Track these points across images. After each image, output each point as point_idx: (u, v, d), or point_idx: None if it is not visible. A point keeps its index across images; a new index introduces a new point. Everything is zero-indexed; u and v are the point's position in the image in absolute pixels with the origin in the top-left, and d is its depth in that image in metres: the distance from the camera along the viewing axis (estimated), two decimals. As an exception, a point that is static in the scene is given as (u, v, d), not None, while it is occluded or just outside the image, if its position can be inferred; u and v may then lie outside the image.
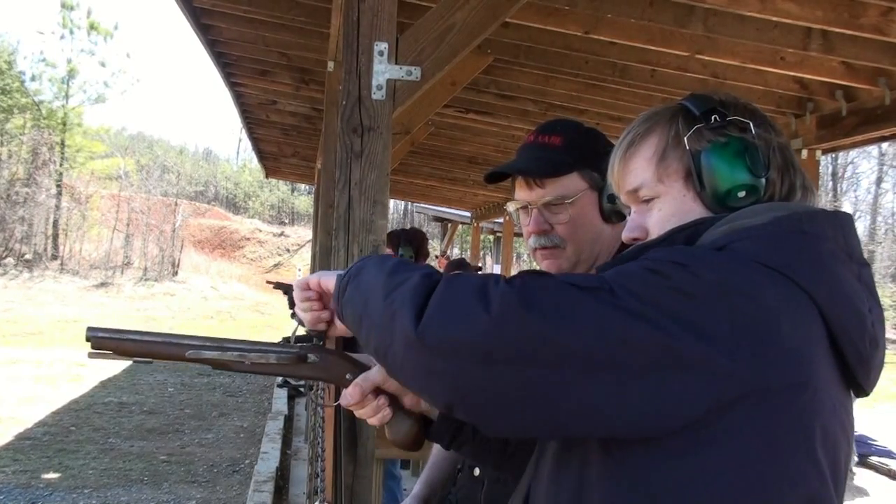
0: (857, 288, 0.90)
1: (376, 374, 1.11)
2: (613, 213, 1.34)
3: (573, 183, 1.35)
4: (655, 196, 1.02)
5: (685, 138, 1.00)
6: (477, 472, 1.56)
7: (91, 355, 1.10)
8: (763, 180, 0.98)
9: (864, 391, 0.93)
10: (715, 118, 1.00)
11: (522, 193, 1.39)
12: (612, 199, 1.32)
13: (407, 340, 0.83)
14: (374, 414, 1.12)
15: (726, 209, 0.97)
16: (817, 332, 0.85)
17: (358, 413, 1.13)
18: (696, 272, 0.82)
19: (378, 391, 1.12)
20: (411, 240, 4.22)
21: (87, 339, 1.09)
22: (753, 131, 0.99)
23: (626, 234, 1.06)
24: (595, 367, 0.78)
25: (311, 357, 1.13)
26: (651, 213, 1.03)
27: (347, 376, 1.14)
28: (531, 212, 1.37)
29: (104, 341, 1.10)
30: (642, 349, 0.78)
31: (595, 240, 1.36)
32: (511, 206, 1.44)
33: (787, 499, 0.83)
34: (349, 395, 1.10)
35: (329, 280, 1.08)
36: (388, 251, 3.74)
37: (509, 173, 1.41)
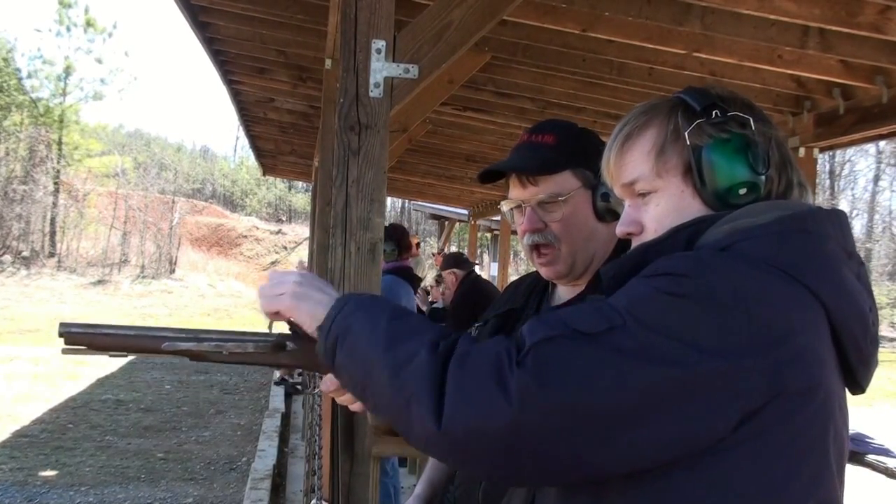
0: (859, 287, 0.90)
1: None
2: (607, 212, 1.33)
3: (566, 181, 1.35)
4: (652, 190, 1.00)
5: (686, 133, 0.98)
6: None
7: (64, 351, 1.08)
8: (763, 177, 0.96)
9: (860, 389, 0.93)
10: (716, 113, 0.98)
11: (516, 192, 1.39)
12: (606, 197, 1.31)
13: (430, 434, 0.82)
14: (354, 400, 1.09)
15: (726, 206, 0.96)
16: (824, 332, 0.85)
17: (338, 400, 1.11)
18: (707, 284, 0.81)
19: None
20: (391, 234, 4.25)
21: (60, 335, 1.06)
22: (753, 127, 0.98)
23: (621, 229, 1.04)
24: (625, 420, 0.78)
25: (289, 345, 1.10)
26: (647, 208, 1.01)
27: None
28: (525, 210, 1.37)
29: (77, 336, 1.07)
30: (667, 388, 0.78)
31: (589, 238, 1.35)
32: (505, 206, 1.44)
33: (806, 503, 0.83)
34: (328, 381, 1.07)
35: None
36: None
37: (503, 172, 1.41)
